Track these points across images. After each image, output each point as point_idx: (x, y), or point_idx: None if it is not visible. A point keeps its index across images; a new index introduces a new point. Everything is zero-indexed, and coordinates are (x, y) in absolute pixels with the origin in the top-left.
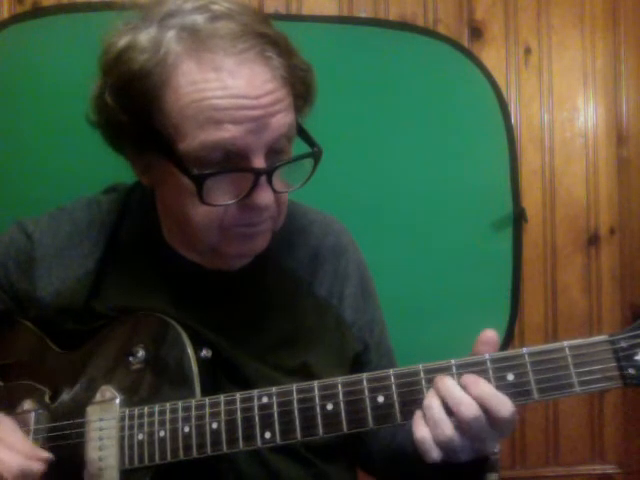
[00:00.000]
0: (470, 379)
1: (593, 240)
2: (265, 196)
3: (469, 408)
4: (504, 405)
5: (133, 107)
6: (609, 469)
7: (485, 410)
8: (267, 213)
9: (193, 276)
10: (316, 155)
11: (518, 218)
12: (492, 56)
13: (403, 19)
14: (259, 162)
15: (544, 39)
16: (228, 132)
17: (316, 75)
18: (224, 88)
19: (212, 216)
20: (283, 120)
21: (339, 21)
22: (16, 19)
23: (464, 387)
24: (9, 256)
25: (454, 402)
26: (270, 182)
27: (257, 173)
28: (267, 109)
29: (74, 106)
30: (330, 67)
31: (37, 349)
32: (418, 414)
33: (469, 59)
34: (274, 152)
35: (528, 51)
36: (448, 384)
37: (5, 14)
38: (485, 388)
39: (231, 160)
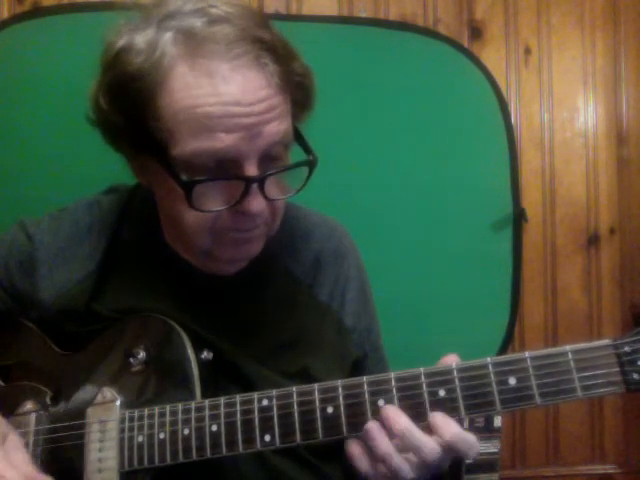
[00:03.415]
0: (439, 420)
1: (593, 240)
2: (256, 204)
3: (432, 451)
4: (472, 448)
5: (128, 109)
6: (609, 469)
7: (452, 451)
8: (259, 219)
9: (194, 278)
10: (311, 163)
11: (518, 218)
12: (492, 56)
13: (403, 19)
14: (251, 170)
15: (544, 39)
16: (221, 142)
17: (316, 76)
18: (217, 95)
19: (203, 221)
20: (277, 128)
21: (339, 21)
22: (16, 19)
23: (433, 429)
24: (11, 256)
25: (414, 445)
26: (262, 189)
27: (248, 181)
28: (260, 117)
29: (74, 106)
30: (330, 67)
31: (39, 350)
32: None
33: (469, 59)
34: (269, 159)
35: (528, 51)
36: (405, 424)
37: (5, 14)
38: (455, 430)
39: (223, 167)
